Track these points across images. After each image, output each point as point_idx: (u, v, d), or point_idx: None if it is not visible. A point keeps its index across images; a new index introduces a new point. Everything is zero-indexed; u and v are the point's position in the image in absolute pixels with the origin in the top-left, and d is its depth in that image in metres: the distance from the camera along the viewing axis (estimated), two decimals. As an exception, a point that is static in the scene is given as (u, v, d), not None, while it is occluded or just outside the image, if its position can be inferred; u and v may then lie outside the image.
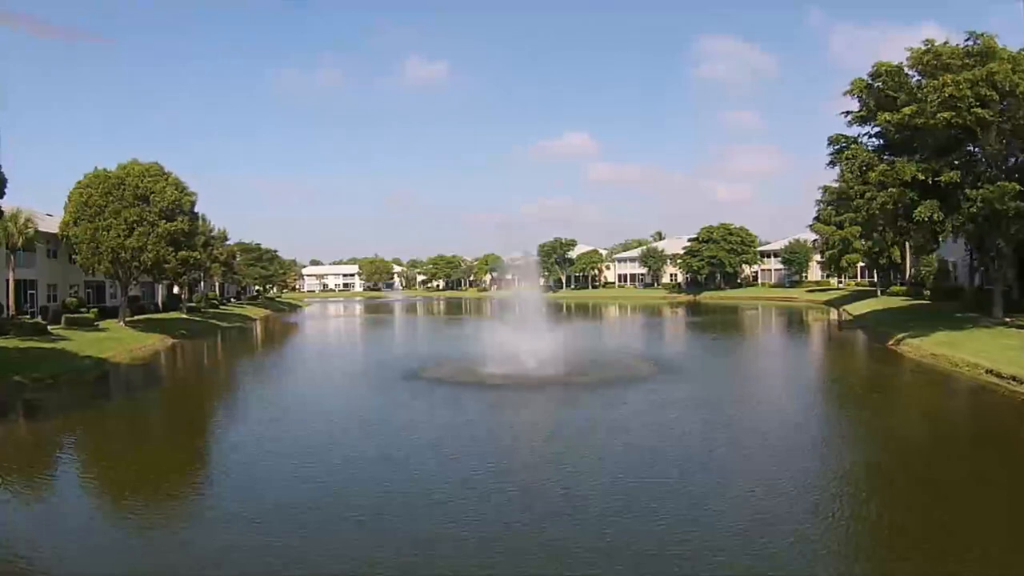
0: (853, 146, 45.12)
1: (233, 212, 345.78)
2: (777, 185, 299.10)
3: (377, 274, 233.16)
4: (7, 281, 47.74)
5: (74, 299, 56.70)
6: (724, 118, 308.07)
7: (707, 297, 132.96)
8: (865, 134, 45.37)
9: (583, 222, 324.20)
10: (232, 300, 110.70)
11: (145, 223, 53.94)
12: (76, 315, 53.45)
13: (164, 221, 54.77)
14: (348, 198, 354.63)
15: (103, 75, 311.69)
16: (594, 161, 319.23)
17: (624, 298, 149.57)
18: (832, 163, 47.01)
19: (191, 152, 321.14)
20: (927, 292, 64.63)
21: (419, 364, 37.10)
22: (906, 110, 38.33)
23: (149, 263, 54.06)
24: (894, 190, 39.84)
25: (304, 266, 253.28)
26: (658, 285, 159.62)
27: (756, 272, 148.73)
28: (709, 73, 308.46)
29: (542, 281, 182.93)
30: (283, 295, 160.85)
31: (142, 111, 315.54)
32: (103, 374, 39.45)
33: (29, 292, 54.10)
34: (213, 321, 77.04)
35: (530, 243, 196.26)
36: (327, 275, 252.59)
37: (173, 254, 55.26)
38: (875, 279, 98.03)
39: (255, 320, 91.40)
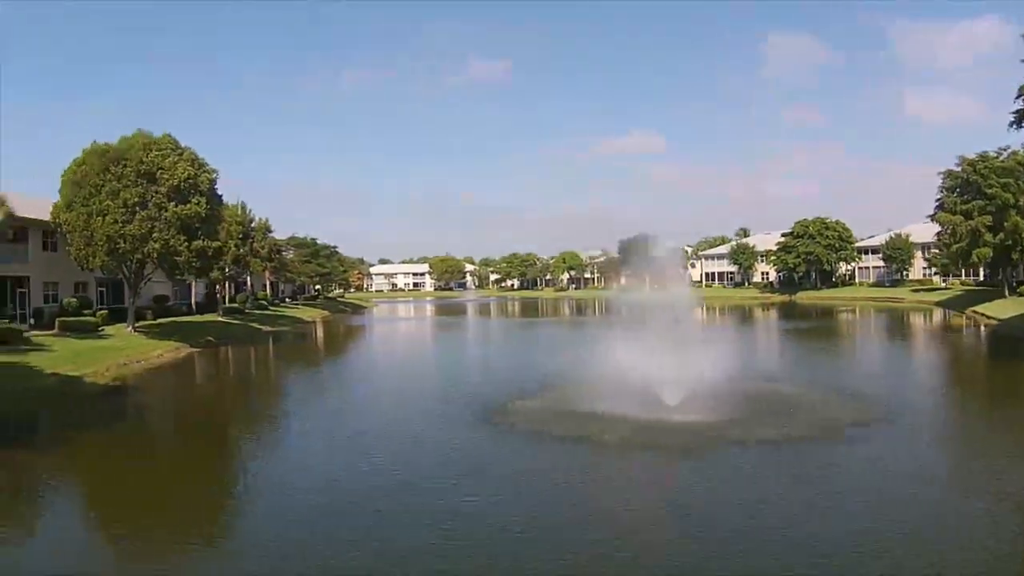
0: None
1: (300, 212, 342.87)
2: (844, 182, 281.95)
3: (448, 273, 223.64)
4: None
5: (74, 300, 47.14)
6: (788, 115, 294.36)
7: (804, 297, 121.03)
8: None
9: (649, 220, 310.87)
10: (287, 300, 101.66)
11: (150, 206, 44.05)
12: (74, 319, 43.99)
13: (174, 204, 44.82)
14: (416, 197, 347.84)
15: (160, 70, 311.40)
16: (660, 160, 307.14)
17: (714, 298, 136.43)
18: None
19: (257, 155, 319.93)
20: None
21: (501, 396, 25.49)
22: None
23: (154, 254, 44.12)
24: None
25: (372, 265, 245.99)
26: (749, 284, 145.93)
27: (852, 270, 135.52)
28: (773, 69, 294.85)
29: (622, 280, 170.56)
30: (347, 295, 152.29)
31: (205, 112, 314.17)
32: (57, 401, 29.36)
33: (18, 291, 44.73)
34: (254, 325, 67.33)
35: (610, 240, 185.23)
36: (396, 274, 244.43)
37: (185, 243, 45.22)
38: (997, 277, 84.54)
39: (308, 323, 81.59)
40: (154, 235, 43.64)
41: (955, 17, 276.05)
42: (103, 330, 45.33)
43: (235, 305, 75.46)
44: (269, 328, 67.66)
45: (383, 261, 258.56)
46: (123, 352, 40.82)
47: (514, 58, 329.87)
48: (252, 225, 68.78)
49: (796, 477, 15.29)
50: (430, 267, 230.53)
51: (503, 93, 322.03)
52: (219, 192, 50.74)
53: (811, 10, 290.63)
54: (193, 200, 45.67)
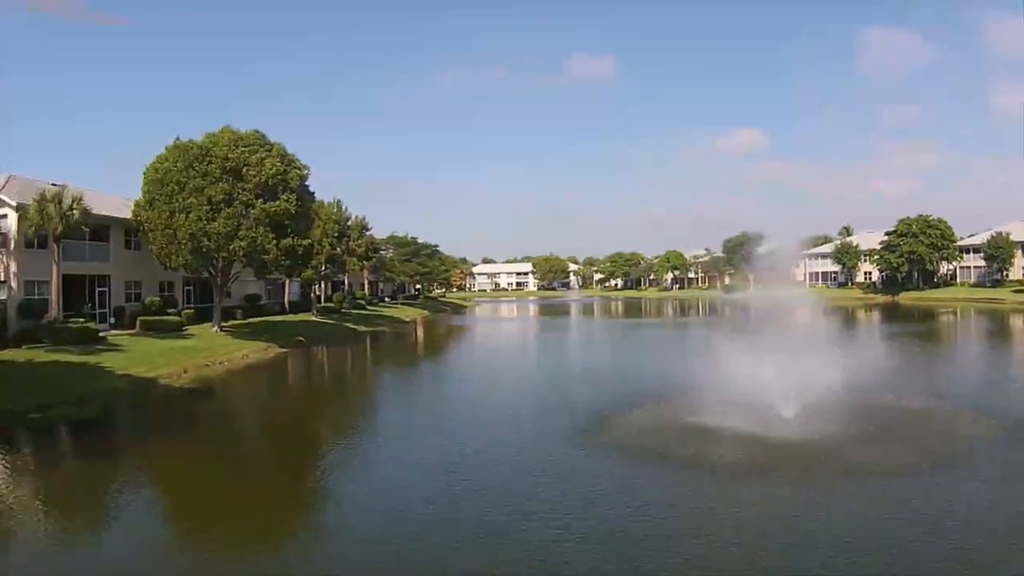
0: None
1: (402, 213, 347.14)
2: (943, 180, 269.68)
3: (552, 273, 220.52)
4: (51, 276, 37.54)
5: (157, 299, 46.36)
6: (887, 111, 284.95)
7: (907, 298, 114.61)
8: None
9: (751, 220, 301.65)
10: (387, 300, 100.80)
11: (236, 203, 42.68)
12: (155, 318, 43.11)
13: (262, 200, 43.36)
14: (520, 196, 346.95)
15: (262, 71, 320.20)
16: (763, 158, 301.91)
17: (818, 299, 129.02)
18: None
19: (359, 154, 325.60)
20: None
21: (604, 405, 23.35)
22: None
23: (240, 252, 42.72)
24: None
25: (475, 264, 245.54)
26: (852, 284, 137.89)
27: (953, 270, 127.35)
28: (870, 65, 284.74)
29: (728, 279, 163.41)
30: (448, 295, 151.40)
31: (303, 114, 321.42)
32: (124, 404, 27.84)
33: (99, 290, 44.16)
34: (349, 325, 65.97)
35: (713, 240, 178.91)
36: (499, 274, 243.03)
37: (274, 241, 43.71)
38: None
39: (406, 324, 79.97)
40: (240, 233, 42.22)
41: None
42: (187, 330, 44.32)
43: (331, 304, 74.52)
44: (365, 328, 66.16)
45: (486, 261, 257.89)
46: (205, 353, 39.52)
47: (616, 55, 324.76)
48: (348, 223, 67.45)
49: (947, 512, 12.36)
50: (533, 267, 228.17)
51: (607, 90, 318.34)
52: (311, 189, 49.22)
53: (903, 3, 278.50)
54: (282, 197, 44.10)
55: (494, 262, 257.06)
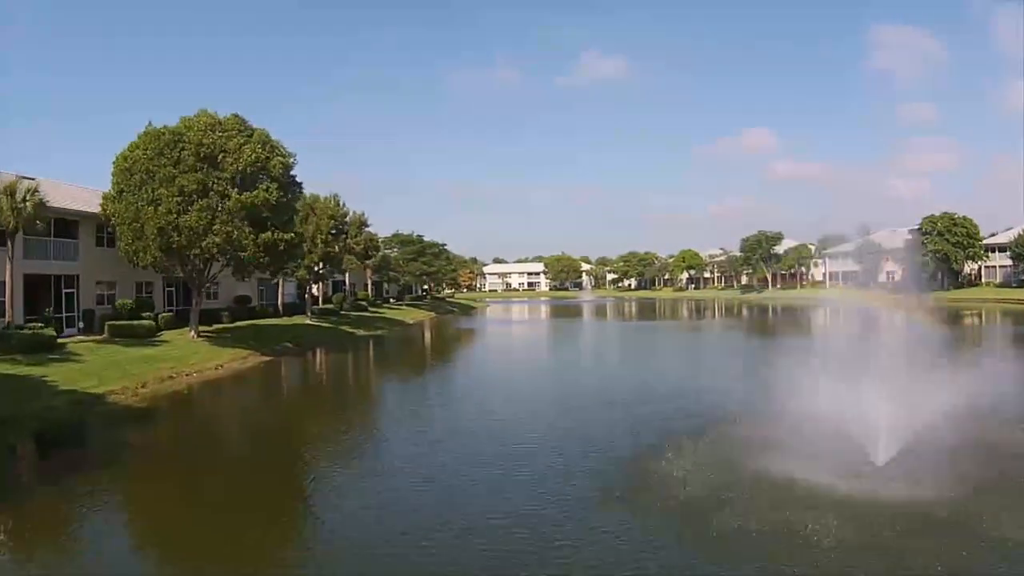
0: None
1: (414, 212, 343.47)
2: (956, 178, 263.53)
3: (564, 272, 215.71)
4: (6, 277, 33.10)
5: (129, 301, 41.88)
6: (900, 110, 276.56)
7: (933, 299, 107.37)
8: None
9: (767, 221, 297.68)
10: (391, 301, 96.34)
11: (212, 193, 38.27)
12: (125, 323, 38.73)
13: (238, 191, 38.94)
14: (531, 196, 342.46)
15: (267, 72, 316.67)
16: (775, 158, 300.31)
17: (840, 300, 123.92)
18: None
19: (366, 154, 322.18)
20: None
21: (638, 446, 17.94)
22: None
23: (214, 248, 38.32)
24: None
25: (486, 264, 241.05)
26: (874, 284, 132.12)
27: (978, 269, 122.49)
28: (882, 63, 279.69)
29: (745, 279, 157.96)
30: (457, 295, 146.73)
31: (311, 113, 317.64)
32: (56, 426, 23.18)
33: (66, 292, 39.71)
34: (345, 328, 61.54)
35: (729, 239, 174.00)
36: (510, 273, 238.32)
37: (251, 236, 39.29)
38: None
39: (409, 326, 75.49)
40: (215, 227, 37.81)
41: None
42: (161, 335, 39.98)
43: (330, 306, 70.19)
44: (363, 332, 61.68)
45: (497, 260, 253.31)
46: (173, 363, 35.07)
47: (627, 55, 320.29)
48: (346, 219, 62.95)
49: None
50: (545, 266, 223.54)
51: (618, 90, 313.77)
52: (298, 179, 44.68)
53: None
54: (261, 186, 39.67)
55: (505, 262, 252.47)
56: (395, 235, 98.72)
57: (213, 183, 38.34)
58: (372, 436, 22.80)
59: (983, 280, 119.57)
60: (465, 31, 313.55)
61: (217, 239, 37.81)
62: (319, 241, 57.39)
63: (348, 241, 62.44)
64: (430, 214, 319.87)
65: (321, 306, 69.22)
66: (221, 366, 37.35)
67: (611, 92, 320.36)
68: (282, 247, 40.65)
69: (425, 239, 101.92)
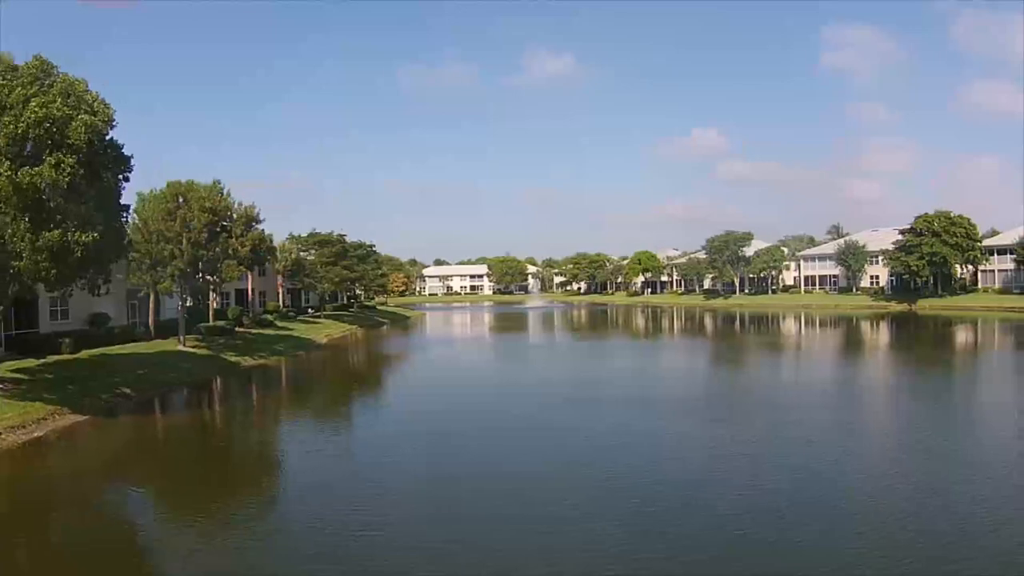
0: None
1: (354, 214, 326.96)
2: (914, 178, 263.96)
3: (509, 275, 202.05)
4: None
5: None
6: (854, 110, 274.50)
7: (927, 306, 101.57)
8: None
9: (719, 223, 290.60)
10: (309, 311, 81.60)
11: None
12: None
13: (12, 164, 24.55)
14: (476, 196, 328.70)
15: (225, 73, 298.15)
16: (724, 159, 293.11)
17: (821, 307, 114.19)
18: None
19: (322, 152, 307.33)
20: None
21: None
22: None
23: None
24: None
25: (426, 266, 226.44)
26: (856, 289, 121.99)
27: (973, 273, 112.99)
28: (835, 63, 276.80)
29: (709, 283, 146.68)
30: (390, 302, 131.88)
31: (262, 111, 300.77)
32: None
33: None
34: (228, 357, 46.92)
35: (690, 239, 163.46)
36: (452, 276, 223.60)
37: (28, 235, 24.85)
38: None
39: (319, 348, 61.27)
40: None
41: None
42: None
43: (221, 323, 55.61)
44: (249, 362, 46.99)
45: (438, 262, 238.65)
46: None
47: (575, 53, 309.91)
48: (230, 214, 48.36)
49: None
50: (489, 268, 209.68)
51: (566, 89, 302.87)
52: (128, 154, 30.39)
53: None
54: (48, 159, 25.32)
55: (447, 263, 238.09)
56: (311, 235, 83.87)
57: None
58: None
59: (980, 285, 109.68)
60: (414, 30, 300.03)
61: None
62: (185, 240, 42.90)
63: (232, 241, 47.91)
64: (370, 215, 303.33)
65: (212, 323, 54.70)
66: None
67: (559, 91, 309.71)
68: (78, 251, 26.07)
69: (348, 239, 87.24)
